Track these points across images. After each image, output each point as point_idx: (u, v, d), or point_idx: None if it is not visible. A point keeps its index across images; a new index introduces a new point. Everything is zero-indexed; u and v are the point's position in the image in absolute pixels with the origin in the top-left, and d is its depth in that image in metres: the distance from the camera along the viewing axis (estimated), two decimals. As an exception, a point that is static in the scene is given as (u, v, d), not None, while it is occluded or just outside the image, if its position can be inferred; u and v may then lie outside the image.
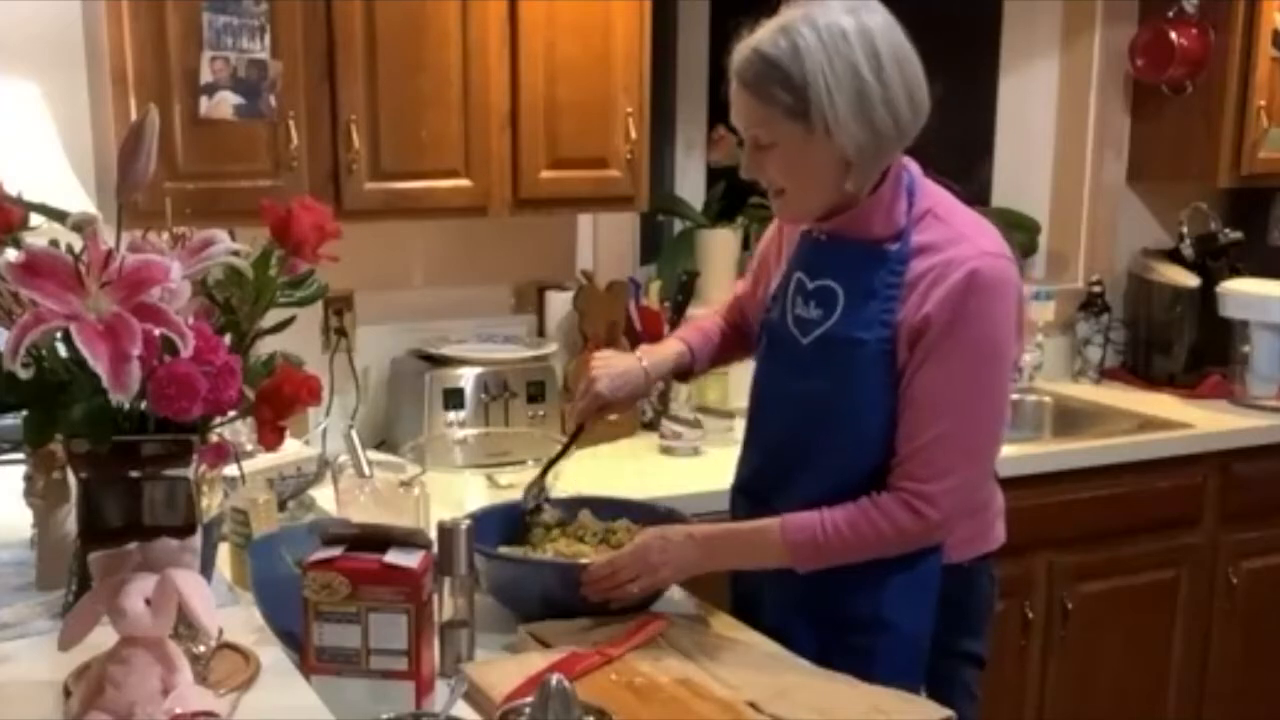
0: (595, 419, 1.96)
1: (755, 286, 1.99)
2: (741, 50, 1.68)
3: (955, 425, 1.67)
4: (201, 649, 1.38)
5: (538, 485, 1.96)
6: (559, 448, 2.00)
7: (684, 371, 2.04)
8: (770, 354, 1.88)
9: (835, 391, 1.74)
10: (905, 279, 1.68)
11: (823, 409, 1.76)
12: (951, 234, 1.69)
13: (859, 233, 1.73)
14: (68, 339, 1.14)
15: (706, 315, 2.13)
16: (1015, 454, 2.82)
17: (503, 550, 1.86)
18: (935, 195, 1.75)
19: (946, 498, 1.67)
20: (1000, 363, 1.68)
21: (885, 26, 1.66)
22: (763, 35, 1.66)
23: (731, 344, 2.06)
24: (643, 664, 1.62)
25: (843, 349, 1.73)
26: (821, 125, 1.63)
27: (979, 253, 1.66)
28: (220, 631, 1.37)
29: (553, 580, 1.78)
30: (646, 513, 1.95)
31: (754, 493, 1.90)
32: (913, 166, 1.77)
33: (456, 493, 2.19)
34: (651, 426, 2.88)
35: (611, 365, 1.95)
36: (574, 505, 1.99)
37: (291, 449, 2.25)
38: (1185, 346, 3.42)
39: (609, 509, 1.97)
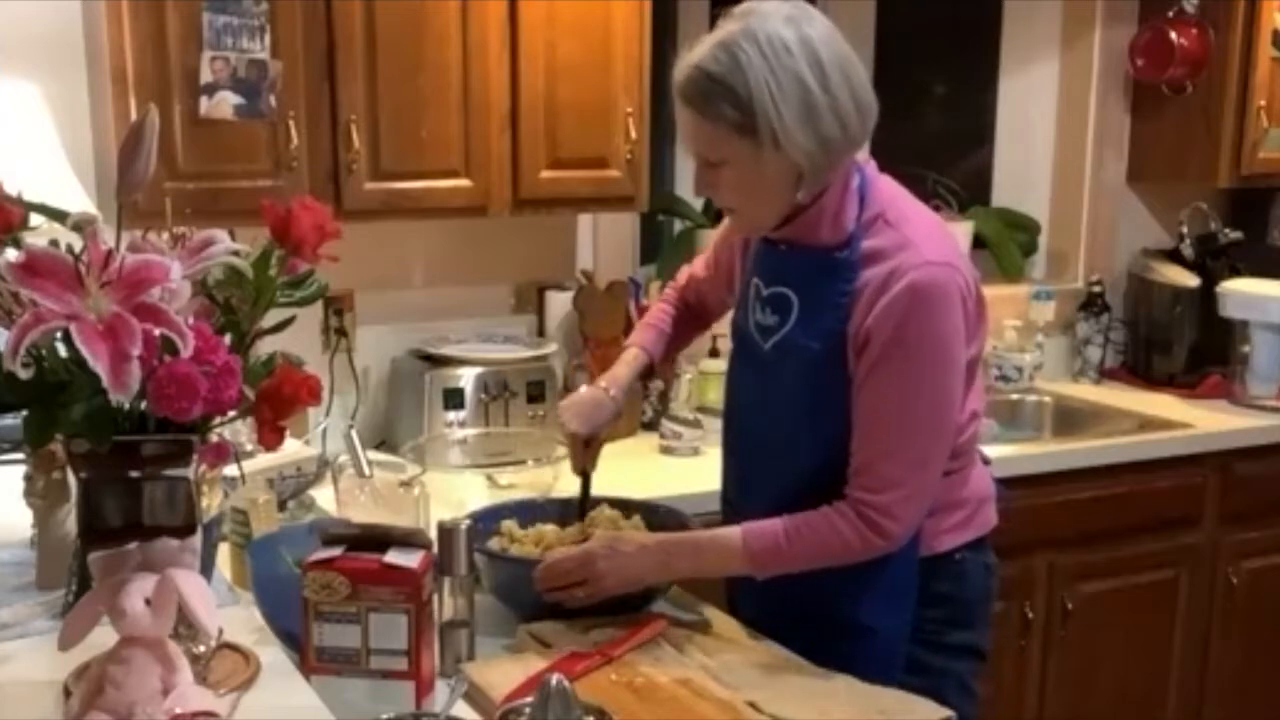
0: (592, 456, 1.97)
1: (713, 271, 2.02)
2: (683, 68, 1.66)
3: (901, 439, 1.67)
4: (201, 649, 1.38)
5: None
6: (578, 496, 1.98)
7: (647, 372, 2.07)
8: (738, 358, 1.90)
9: (793, 396, 1.76)
10: (855, 287, 1.67)
11: (783, 413, 1.78)
12: (899, 240, 1.67)
13: (808, 238, 1.73)
14: (68, 339, 1.14)
15: (654, 309, 2.14)
16: (1015, 454, 2.83)
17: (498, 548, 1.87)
18: (888, 198, 1.73)
19: (901, 507, 1.67)
20: (945, 372, 1.67)
21: (826, 35, 1.64)
22: (703, 51, 1.64)
23: (687, 327, 2.10)
24: (643, 664, 1.62)
25: (798, 355, 1.74)
26: (770, 139, 1.61)
27: (922, 262, 1.64)
28: (220, 631, 1.37)
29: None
30: (646, 512, 1.96)
31: (732, 498, 1.92)
32: (867, 168, 1.75)
33: (456, 493, 2.18)
34: (651, 426, 2.88)
35: (578, 403, 1.97)
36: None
37: (291, 449, 2.25)
38: (1185, 346, 3.42)
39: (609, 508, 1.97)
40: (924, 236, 1.69)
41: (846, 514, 1.68)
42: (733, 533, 1.74)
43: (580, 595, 1.72)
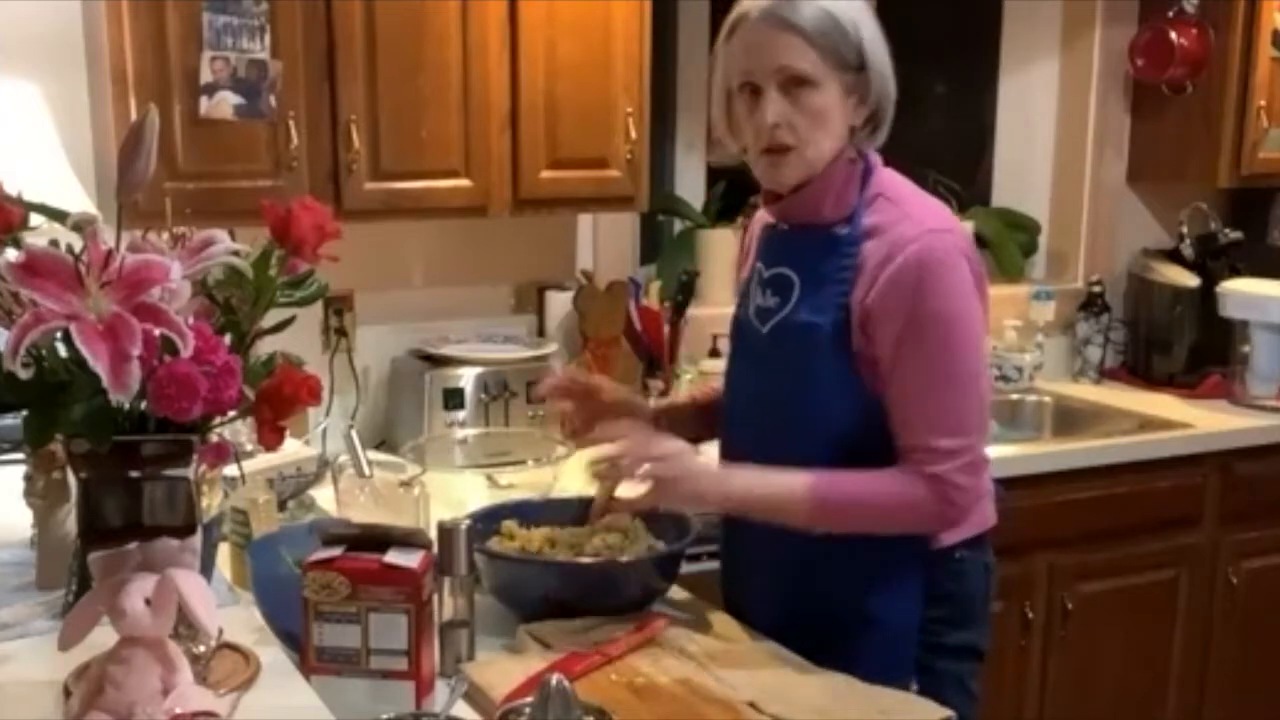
0: (599, 510, 1.92)
1: None
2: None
3: (948, 404, 1.68)
4: (201, 649, 1.38)
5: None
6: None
7: (690, 419, 2.01)
8: (737, 348, 1.90)
9: (793, 378, 1.75)
10: (856, 261, 1.69)
11: (783, 397, 1.77)
12: (898, 214, 1.70)
13: (810, 215, 1.75)
14: (68, 339, 1.14)
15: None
16: (1015, 454, 2.83)
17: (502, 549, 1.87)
18: (888, 180, 1.77)
19: (963, 474, 1.67)
20: (967, 329, 1.68)
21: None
22: None
23: None
24: (643, 664, 1.62)
25: (798, 334, 1.74)
26: (864, 83, 1.69)
27: (923, 230, 1.66)
28: (220, 631, 1.38)
29: (554, 580, 1.78)
30: (646, 514, 1.95)
31: None
32: (872, 155, 1.78)
33: (456, 493, 2.18)
34: (651, 426, 2.88)
35: None
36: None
37: (291, 449, 2.25)
38: (1185, 346, 3.42)
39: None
40: (922, 209, 1.72)
41: (918, 483, 1.67)
42: (803, 477, 1.69)
43: (651, 470, 1.71)
